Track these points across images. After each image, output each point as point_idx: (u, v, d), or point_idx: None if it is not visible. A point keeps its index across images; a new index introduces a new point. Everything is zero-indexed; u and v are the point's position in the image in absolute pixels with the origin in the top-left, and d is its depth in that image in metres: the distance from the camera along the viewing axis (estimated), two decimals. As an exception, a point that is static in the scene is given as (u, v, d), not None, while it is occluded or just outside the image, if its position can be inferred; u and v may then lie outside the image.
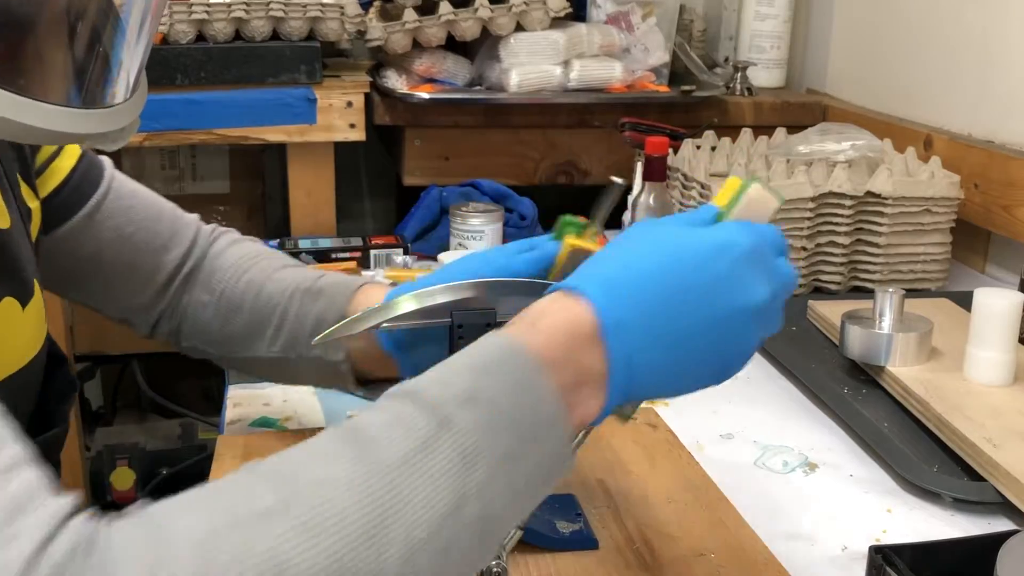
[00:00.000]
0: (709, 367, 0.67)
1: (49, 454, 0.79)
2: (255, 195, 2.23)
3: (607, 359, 0.63)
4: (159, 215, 1.01)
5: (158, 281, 0.99)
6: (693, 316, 0.64)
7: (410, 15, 1.76)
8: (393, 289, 0.90)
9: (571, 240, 0.79)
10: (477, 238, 1.63)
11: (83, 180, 0.96)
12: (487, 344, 0.62)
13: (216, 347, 1.00)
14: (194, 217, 1.05)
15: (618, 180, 0.80)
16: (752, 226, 0.69)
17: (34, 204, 0.88)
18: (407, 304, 0.79)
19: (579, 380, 0.62)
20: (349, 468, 0.54)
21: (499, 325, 0.67)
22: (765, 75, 2.11)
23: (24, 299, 0.79)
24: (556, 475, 0.62)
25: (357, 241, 1.66)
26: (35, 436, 0.77)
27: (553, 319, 0.63)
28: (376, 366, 0.93)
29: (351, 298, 0.93)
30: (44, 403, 0.84)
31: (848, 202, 1.47)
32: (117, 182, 1.00)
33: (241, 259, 1.01)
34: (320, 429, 1.03)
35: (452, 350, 0.81)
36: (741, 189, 0.71)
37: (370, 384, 0.96)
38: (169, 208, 1.03)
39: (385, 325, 0.79)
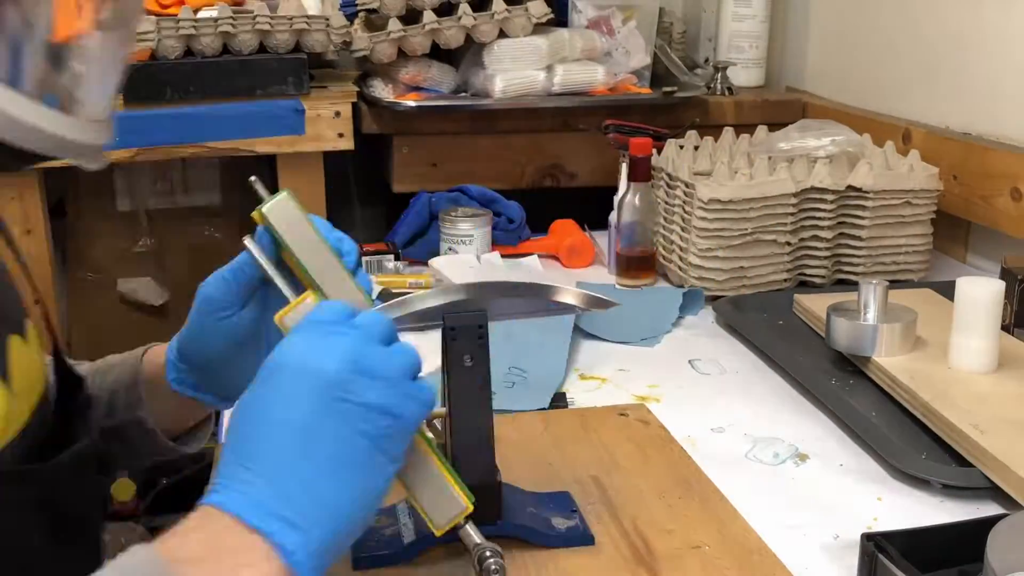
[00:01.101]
0: (360, 453, 0.65)
1: (84, 466, 0.80)
2: (246, 206, 2.24)
3: (261, 533, 0.62)
4: None
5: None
6: (292, 434, 0.64)
7: (394, 25, 1.77)
8: (173, 339, 0.89)
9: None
10: (466, 242, 1.64)
11: None
12: (129, 557, 0.61)
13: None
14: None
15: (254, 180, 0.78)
16: (298, 329, 0.68)
17: None
18: (398, 309, 0.80)
19: (232, 565, 0.61)
20: None
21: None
22: (745, 74, 2.13)
23: (23, 333, 0.80)
24: None
25: (348, 249, 1.66)
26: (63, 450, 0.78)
27: (187, 523, 0.63)
28: (181, 418, 0.94)
29: (140, 357, 0.93)
30: (65, 422, 0.84)
31: (830, 197, 1.49)
32: None
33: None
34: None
35: (445, 352, 0.83)
36: (294, 304, 0.72)
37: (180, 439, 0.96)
38: None
39: None
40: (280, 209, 0.74)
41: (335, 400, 0.64)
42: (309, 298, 0.72)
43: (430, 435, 0.74)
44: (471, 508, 0.74)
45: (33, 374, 0.80)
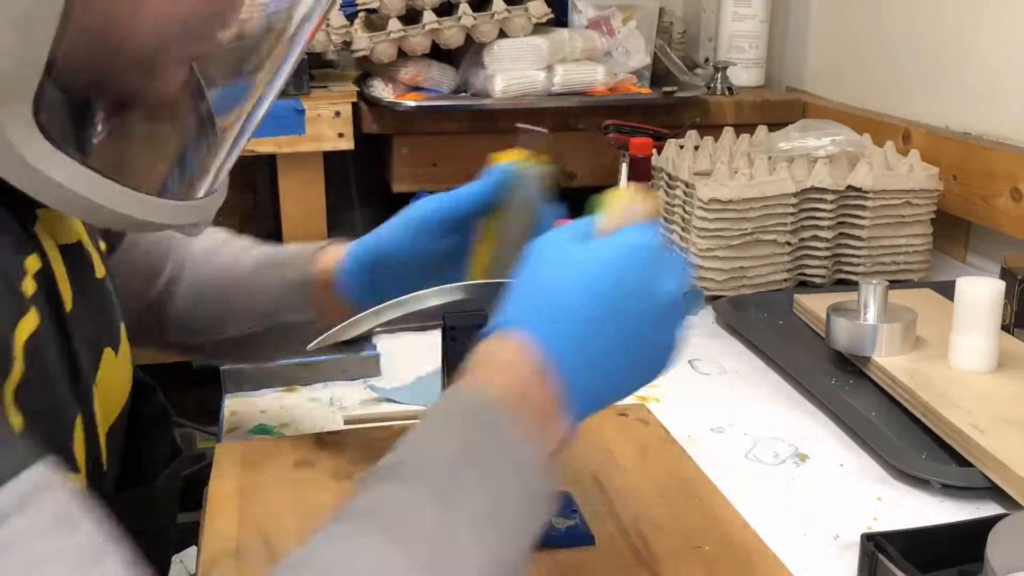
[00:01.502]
0: (644, 367, 0.70)
1: (166, 493, 0.83)
2: (246, 206, 2.24)
3: (555, 390, 0.65)
4: None
5: (158, 283, 1.03)
6: (617, 327, 0.67)
7: (394, 25, 1.77)
8: (352, 245, 0.93)
9: (621, 191, 0.79)
10: (466, 243, 1.64)
11: None
12: (452, 400, 0.65)
13: (191, 334, 1.02)
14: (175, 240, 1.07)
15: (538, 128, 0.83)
16: (643, 228, 0.70)
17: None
18: (398, 309, 0.80)
19: (540, 415, 0.64)
20: (373, 560, 0.55)
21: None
22: (745, 74, 2.13)
23: (116, 346, 0.81)
24: (541, 508, 0.65)
25: (348, 249, 1.66)
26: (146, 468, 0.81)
27: (503, 361, 0.65)
28: (336, 317, 0.95)
29: (312, 260, 0.97)
30: (138, 432, 0.85)
31: (830, 197, 1.49)
32: None
33: (209, 245, 1.04)
34: (315, 434, 1.05)
35: (445, 352, 0.83)
36: (616, 196, 0.73)
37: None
38: None
39: (379, 329, 0.80)
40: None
41: (661, 319, 0.69)
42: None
43: None
44: None
45: (118, 390, 0.81)
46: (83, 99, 0.68)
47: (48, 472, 0.51)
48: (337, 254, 0.95)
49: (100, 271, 0.81)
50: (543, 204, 0.85)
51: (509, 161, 0.83)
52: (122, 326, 0.84)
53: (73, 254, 0.75)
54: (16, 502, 0.49)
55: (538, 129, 0.83)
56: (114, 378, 0.79)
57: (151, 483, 0.82)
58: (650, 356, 0.70)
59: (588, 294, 0.67)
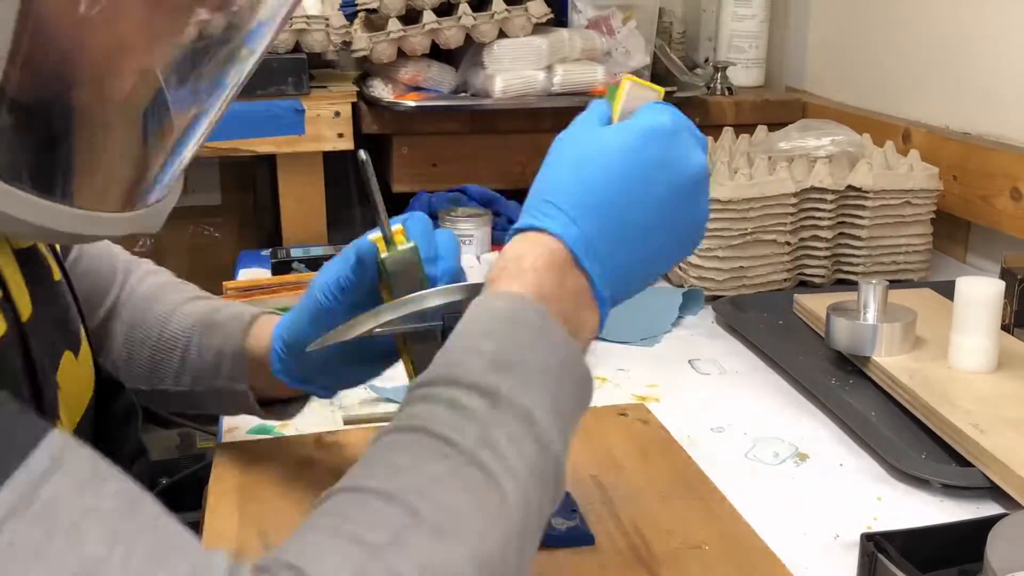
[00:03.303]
0: (676, 244, 0.71)
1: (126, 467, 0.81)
2: (246, 206, 2.24)
3: (588, 277, 0.66)
4: (109, 247, 1.03)
5: (102, 310, 1.00)
6: (645, 206, 0.68)
7: (394, 25, 1.77)
8: (277, 327, 0.90)
9: (629, 77, 0.78)
10: (467, 242, 1.64)
11: None
12: (489, 306, 0.65)
13: (126, 378, 0.98)
14: (119, 257, 1.05)
15: (363, 154, 0.81)
16: (658, 108, 0.71)
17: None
18: (397, 309, 0.80)
19: (574, 306, 0.66)
20: (446, 465, 0.57)
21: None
22: (745, 74, 2.13)
23: (76, 348, 0.80)
24: (585, 401, 0.67)
25: (348, 249, 1.66)
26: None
27: (532, 259, 0.66)
28: (276, 389, 0.94)
29: (246, 330, 0.94)
30: (105, 430, 0.85)
31: (830, 196, 1.49)
32: None
33: (150, 291, 1.01)
34: (315, 434, 1.05)
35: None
36: (621, 89, 0.74)
37: (271, 405, 0.97)
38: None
39: (377, 330, 0.80)
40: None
41: (689, 194, 0.69)
42: None
43: None
44: None
45: (80, 392, 0.80)
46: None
47: (64, 434, 0.52)
48: (269, 326, 0.92)
49: (57, 274, 0.81)
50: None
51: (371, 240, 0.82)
52: (82, 328, 0.83)
53: (29, 259, 0.74)
54: (50, 463, 0.50)
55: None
56: (76, 380, 0.79)
57: None
58: (681, 232, 0.71)
59: (610, 179, 0.67)
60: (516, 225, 0.69)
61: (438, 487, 0.56)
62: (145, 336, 0.98)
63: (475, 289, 0.80)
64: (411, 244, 0.80)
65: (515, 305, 0.64)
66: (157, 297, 1.01)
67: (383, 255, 0.80)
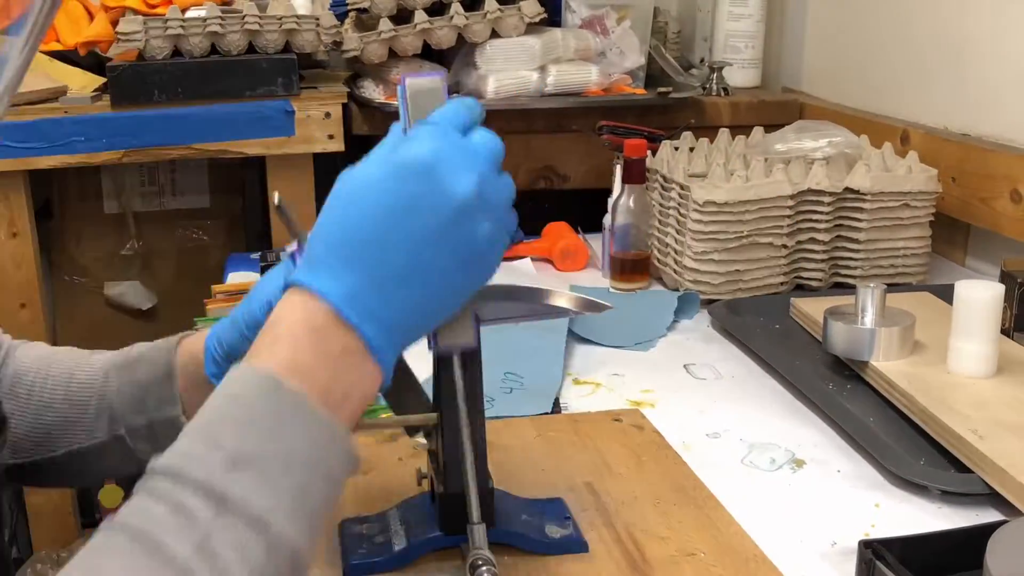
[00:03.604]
0: (460, 276, 0.67)
1: None
2: (235, 209, 2.23)
3: (357, 331, 0.63)
4: None
5: None
6: (411, 246, 0.64)
7: (385, 25, 1.76)
8: (212, 327, 0.88)
9: (411, 75, 0.76)
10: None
11: None
12: (237, 385, 0.62)
13: (30, 453, 0.92)
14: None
15: (277, 197, 0.79)
16: (426, 124, 0.68)
17: None
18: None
19: (341, 370, 0.63)
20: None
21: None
22: (741, 75, 2.12)
23: None
24: (347, 475, 0.63)
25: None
26: None
27: (289, 324, 0.63)
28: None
29: (175, 351, 0.90)
30: None
31: (827, 199, 1.48)
32: None
33: (42, 357, 0.95)
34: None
35: (436, 357, 0.81)
36: (401, 92, 0.72)
37: None
38: None
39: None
40: None
41: (454, 225, 0.65)
42: None
43: None
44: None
45: None
46: None
47: None
48: (199, 342, 0.89)
49: None
50: None
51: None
52: None
53: None
54: None
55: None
56: None
57: None
58: (461, 262, 0.66)
59: (366, 223, 0.64)
60: (287, 278, 0.66)
61: None
62: (49, 399, 0.92)
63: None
64: None
65: (261, 385, 0.61)
66: (50, 359, 0.94)
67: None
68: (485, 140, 0.68)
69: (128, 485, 0.59)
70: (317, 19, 1.74)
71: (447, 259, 0.65)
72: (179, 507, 0.56)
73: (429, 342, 0.74)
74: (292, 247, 0.79)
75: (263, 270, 1.60)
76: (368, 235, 0.64)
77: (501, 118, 1.83)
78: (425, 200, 0.65)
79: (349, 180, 0.66)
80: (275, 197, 0.77)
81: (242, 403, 0.61)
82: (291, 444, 0.60)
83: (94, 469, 0.95)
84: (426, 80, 0.73)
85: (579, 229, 1.74)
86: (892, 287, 1.28)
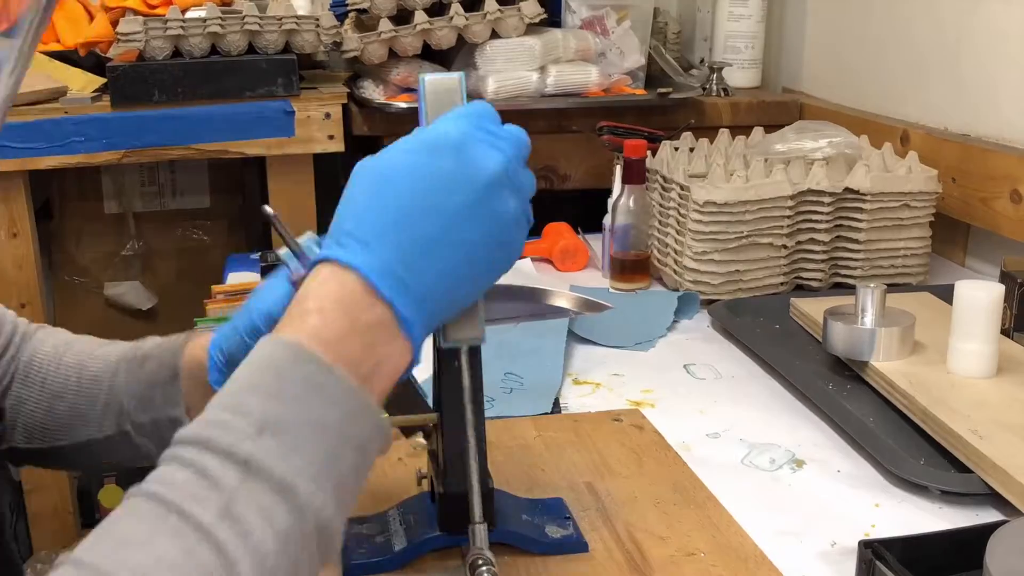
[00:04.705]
0: (488, 253, 0.68)
1: None
2: (235, 209, 2.23)
3: (389, 304, 0.63)
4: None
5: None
6: (441, 220, 0.65)
7: (385, 25, 1.76)
8: (219, 327, 0.87)
9: (427, 74, 0.77)
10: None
11: None
12: (264, 356, 0.62)
13: (42, 439, 0.94)
14: (9, 313, 0.99)
15: (268, 209, 0.79)
16: (456, 112, 0.69)
17: None
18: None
19: (370, 343, 0.63)
20: (177, 544, 0.53)
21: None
22: (741, 75, 2.12)
23: None
24: (377, 450, 0.63)
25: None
26: None
27: (318, 296, 0.63)
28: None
29: (181, 353, 0.91)
30: None
31: (827, 199, 1.48)
32: None
33: (58, 345, 0.96)
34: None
35: (437, 357, 0.81)
36: (421, 91, 0.73)
37: None
38: None
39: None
40: None
41: (485, 200, 0.66)
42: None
43: None
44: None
45: None
46: None
47: None
48: (205, 343, 0.88)
49: None
50: None
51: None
52: None
53: None
54: None
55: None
56: None
57: None
58: (490, 237, 0.67)
59: (401, 198, 0.65)
60: (313, 258, 0.66)
61: (161, 569, 0.52)
62: (61, 388, 0.93)
63: None
64: None
65: (287, 355, 0.61)
66: (64, 349, 0.95)
67: None
68: (512, 129, 0.70)
69: (131, 481, 0.59)
70: (317, 19, 1.74)
71: (477, 233, 0.66)
72: (203, 472, 0.56)
73: (436, 338, 0.74)
74: (284, 250, 0.79)
75: (263, 270, 1.60)
76: (402, 210, 0.64)
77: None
78: (457, 175, 0.66)
79: (376, 164, 0.67)
80: (265, 208, 0.77)
81: (270, 373, 0.60)
82: (320, 412, 0.59)
83: (102, 460, 0.97)
84: (444, 78, 0.73)
85: (579, 229, 1.74)
86: (892, 287, 1.28)
